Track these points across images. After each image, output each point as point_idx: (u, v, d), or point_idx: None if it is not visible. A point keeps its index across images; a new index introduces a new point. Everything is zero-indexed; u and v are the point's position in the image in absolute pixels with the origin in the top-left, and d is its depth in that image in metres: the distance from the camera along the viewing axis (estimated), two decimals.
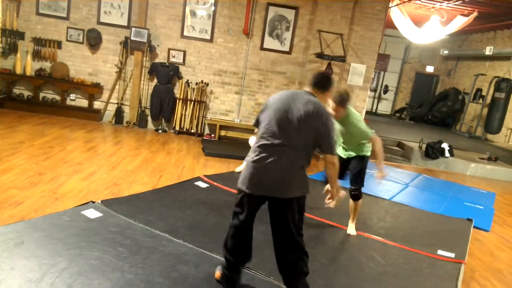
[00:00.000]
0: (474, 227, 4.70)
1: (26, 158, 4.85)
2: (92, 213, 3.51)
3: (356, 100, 7.63)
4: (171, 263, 2.82)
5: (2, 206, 3.43)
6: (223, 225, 3.70)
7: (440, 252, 3.81)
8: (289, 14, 7.34)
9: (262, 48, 7.48)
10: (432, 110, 13.44)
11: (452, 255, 3.76)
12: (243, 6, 7.28)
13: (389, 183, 6.19)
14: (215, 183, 4.85)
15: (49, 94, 7.49)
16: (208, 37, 7.39)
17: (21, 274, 2.50)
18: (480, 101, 11.72)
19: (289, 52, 7.49)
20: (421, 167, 8.01)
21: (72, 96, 7.48)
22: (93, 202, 3.71)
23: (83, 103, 7.53)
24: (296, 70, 7.56)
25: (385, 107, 15.26)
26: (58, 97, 7.45)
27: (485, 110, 11.45)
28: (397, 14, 8.69)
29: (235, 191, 2.58)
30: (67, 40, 7.32)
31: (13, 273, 2.48)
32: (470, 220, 4.79)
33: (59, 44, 7.32)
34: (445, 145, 8.18)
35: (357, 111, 7.47)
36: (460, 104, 12.81)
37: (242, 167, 5.57)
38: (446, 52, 13.77)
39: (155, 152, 6.04)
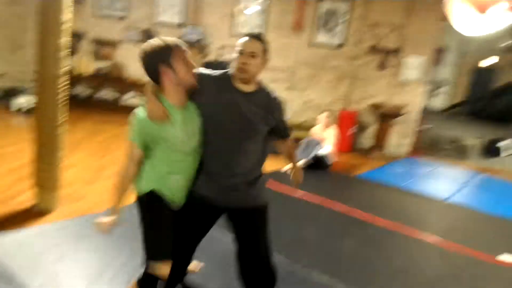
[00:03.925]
0: None
1: (87, 154, 5.11)
2: None
3: (412, 95, 7.34)
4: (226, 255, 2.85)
5: (67, 200, 3.62)
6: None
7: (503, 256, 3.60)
8: (342, 7, 7.17)
9: (313, 43, 7.38)
10: (491, 105, 12.69)
11: None
12: (295, 1, 7.20)
13: (445, 182, 5.94)
14: None
15: (106, 93, 7.83)
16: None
17: (84, 267, 2.64)
18: None
19: (341, 47, 7.33)
20: (480, 166, 7.58)
21: (128, 94, 7.78)
22: None
23: (138, 101, 7.81)
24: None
25: (439, 102, 14.58)
26: (114, 96, 7.78)
27: None
28: (454, 3, 8.19)
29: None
30: (124, 40, 7.62)
31: (77, 266, 2.62)
32: None
33: (116, 44, 7.64)
34: (508, 142, 7.70)
35: (414, 106, 7.37)
36: None
37: (290, 166, 5.58)
38: (506, 44, 12.91)
39: None
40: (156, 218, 2.02)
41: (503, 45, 12.98)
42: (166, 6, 7.46)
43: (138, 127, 1.92)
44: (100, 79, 7.62)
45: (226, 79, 2.00)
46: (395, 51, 7.07)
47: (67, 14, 3.24)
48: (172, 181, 2.00)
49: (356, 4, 7.15)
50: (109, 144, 5.71)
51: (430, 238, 3.85)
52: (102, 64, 7.72)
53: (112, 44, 7.63)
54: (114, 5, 7.52)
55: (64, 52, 3.30)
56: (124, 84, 7.66)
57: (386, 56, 7.12)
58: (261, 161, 2.14)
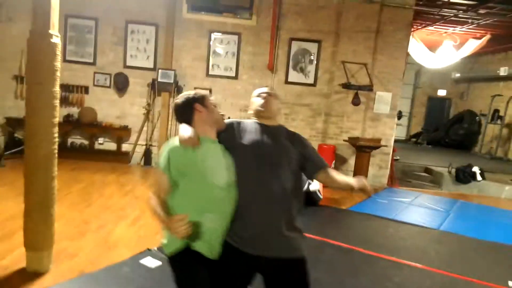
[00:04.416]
0: None
1: (68, 206, 4.77)
2: (151, 262, 3.41)
3: (384, 128, 7.58)
4: None
5: (58, 259, 3.32)
6: None
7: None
8: (312, 47, 7.41)
9: (286, 82, 7.52)
10: (449, 133, 13.37)
11: None
12: (266, 42, 7.37)
13: (429, 211, 6.06)
14: None
15: (77, 140, 7.49)
16: (233, 74, 7.45)
17: None
18: (499, 121, 11.70)
19: (313, 85, 7.52)
20: (454, 192, 7.85)
21: (101, 140, 7.48)
22: (150, 250, 3.61)
23: (111, 146, 7.52)
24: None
25: (400, 133, 15.19)
26: (86, 142, 7.45)
27: (504, 131, 11.47)
28: (411, 41, 8.80)
29: None
30: (94, 85, 7.38)
31: None
32: None
33: (86, 90, 7.38)
34: (476, 169, 8.05)
35: (386, 138, 7.61)
36: (477, 126, 12.77)
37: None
38: (457, 75, 13.84)
39: None
40: (189, 283, 1.87)
41: (454, 77, 13.91)
42: (136, 50, 7.35)
43: (169, 153, 1.88)
44: (69, 125, 7.27)
45: (250, 120, 2.13)
46: (366, 87, 7.33)
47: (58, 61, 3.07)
48: (206, 221, 1.86)
49: (325, 45, 7.42)
50: (88, 194, 5.39)
51: (430, 267, 3.86)
52: (71, 110, 7.40)
53: (82, 89, 7.36)
54: (83, 50, 7.30)
55: (57, 101, 3.13)
56: (95, 130, 7.36)
57: (358, 92, 7.35)
58: (296, 201, 2.02)
